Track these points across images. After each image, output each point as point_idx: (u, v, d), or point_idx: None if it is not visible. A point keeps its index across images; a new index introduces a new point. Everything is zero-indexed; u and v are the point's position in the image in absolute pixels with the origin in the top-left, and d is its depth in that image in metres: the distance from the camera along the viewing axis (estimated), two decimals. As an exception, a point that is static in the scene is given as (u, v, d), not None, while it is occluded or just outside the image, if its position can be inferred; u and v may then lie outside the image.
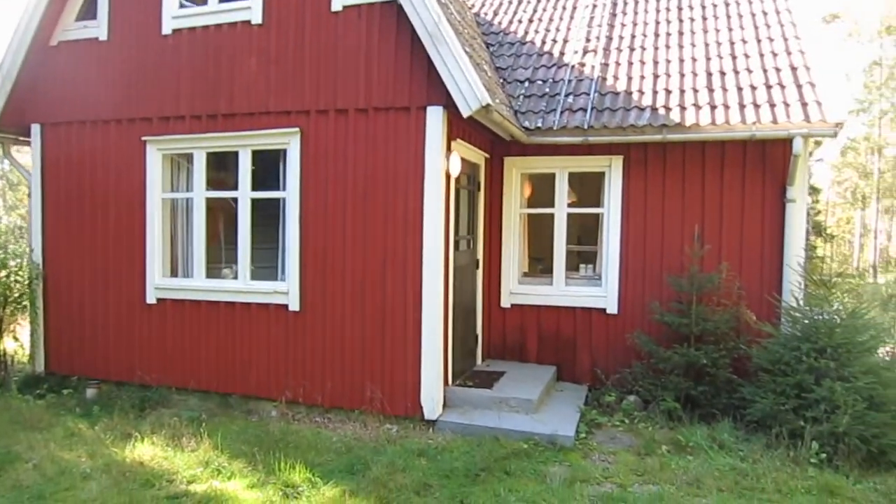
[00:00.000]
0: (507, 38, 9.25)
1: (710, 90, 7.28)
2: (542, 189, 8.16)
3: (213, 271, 7.33)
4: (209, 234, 7.27)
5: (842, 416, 5.41)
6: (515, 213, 7.92)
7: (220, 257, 7.42)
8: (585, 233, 8.30)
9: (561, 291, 7.74)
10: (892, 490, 5.10)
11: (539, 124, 7.38)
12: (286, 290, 6.75)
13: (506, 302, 7.94)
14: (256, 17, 6.87)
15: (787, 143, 6.63)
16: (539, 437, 5.89)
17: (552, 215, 7.79)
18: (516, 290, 7.92)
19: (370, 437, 6.06)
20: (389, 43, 6.37)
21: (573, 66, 8.25)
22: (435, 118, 6.21)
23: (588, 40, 8.72)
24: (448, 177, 6.42)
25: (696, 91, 7.33)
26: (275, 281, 6.93)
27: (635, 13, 9.07)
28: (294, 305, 6.72)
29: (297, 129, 6.69)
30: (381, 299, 6.42)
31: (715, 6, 8.79)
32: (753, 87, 7.16)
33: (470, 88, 5.82)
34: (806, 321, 6.12)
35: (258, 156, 7.04)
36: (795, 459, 5.45)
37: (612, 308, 7.49)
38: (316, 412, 6.67)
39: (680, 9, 8.91)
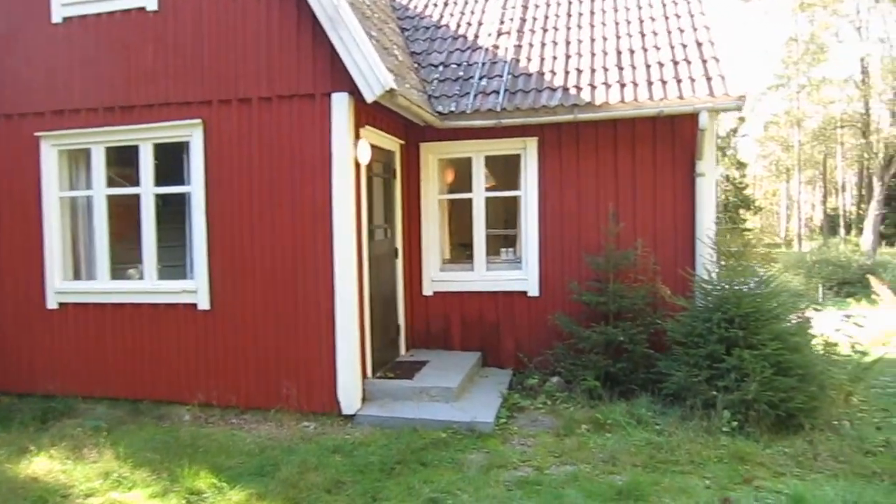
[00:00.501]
0: (423, 21, 9.10)
1: (620, 68, 7.31)
2: (463, 174, 8.07)
3: (117, 272, 6.97)
4: (112, 233, 6.90)
5: (751, 383, 5.53)
6: (434, 199, 7.82)
7: (125, 257, 7.08)
8: (509, 216, 8.25)
9: (482, 277, 7.69)
10: (800, 452, 5.24)
11: (453, 108, 7.28)
12: (195, 289, 6.48)
13: (428, 290, 7.84)
14: (151, 4, 6.54)
15: (694, 118, 6.70)
16: (458, 425, 5.82)
17: (471, 200, 7.71)
18: (438, 277, 7.83)
19: (286, 436, 5.89)
20: (291, 28, 6.14)
21: (487, 49, 8.17)
22: (340, 105, 6.03)
23: (502, 22, 8.65)
24: (357, 165, 6.25)
25: (606, 70, 7.35)
26: (183, 280, 6.65)
27: (548, -6, 9.04)
28: (204, 304, 6.46)
29: (199, 121, 6.41)
30: (293, 293, 6.23)
31: (625, -15, 8.82)
32: (661, 64, 7.22)
33: (373, 73, 5.67)
34: (716, 293, 6.22)
35: (160, 149, 6.71)
36: (708, 429, 5.54)
37: (534, 291, 7.48)
38: (231, 414, 6.44)
39: (591, -11, 8.91)
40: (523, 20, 8.58)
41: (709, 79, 6.82)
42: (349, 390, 6.13)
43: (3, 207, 7.05)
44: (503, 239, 8.12)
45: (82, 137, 6.81)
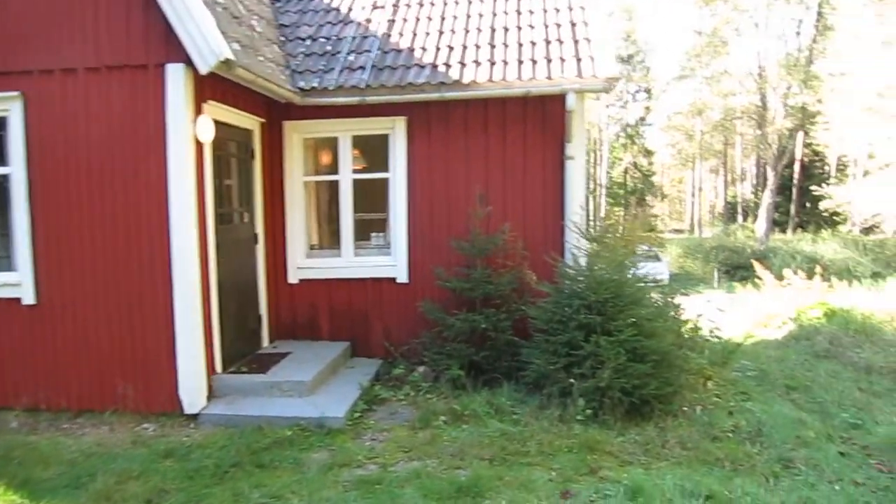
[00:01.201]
0: (297, -7, 8.57)
1: (492, 46, 7.07)
2: (331, 155, 7.64)
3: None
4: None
5: (605, 370, 5.41)
6: (299, 181, 7.36)
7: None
8: (381, 200, 7.89)
9: (351, 263, 7.32)
10: (650, 440, 5.17)
11: (315, 84, 6.85)
12: (18, 282, 5.82)
13: (293, 278, 7.40)
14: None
15: (564, 99, 6.52)
16: (307, 421, 5.46)
17: (338, 183, 7.31)
18: (304, 264, 7.41)
19: (118, 441, 5.35)
20: (123, -9, 5.54)
21: (359, 23, 7.76)
22: (176, 77, 5.50)
23: (377, -5, 8.24)
24: (200, 144, 5.74)
25: (478, 47, 7.08)
26: (6, 272, 5.95)
27: (428, -32, 8.68)
28: (29, 298, 5.81)
29: (17, 94, 5.72)
30: (128, 284, 5.69)
31: (505, -38, 8.57)
32: (533, 43, 7.02)
33: (206, 41, 5.18)
34: (580, 278, 6.08)
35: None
36: (563, 418, 5.40)
37: (403, 277, 7.18)
38: (64, 418, 5.81)
39: (470, -36, 8.61)
40: (400, -6, 8.20)
41: (578, 60, 6.66)
42: (192, 387, 5.66)
43: None
44: (375, 223, 7.77)
45: None
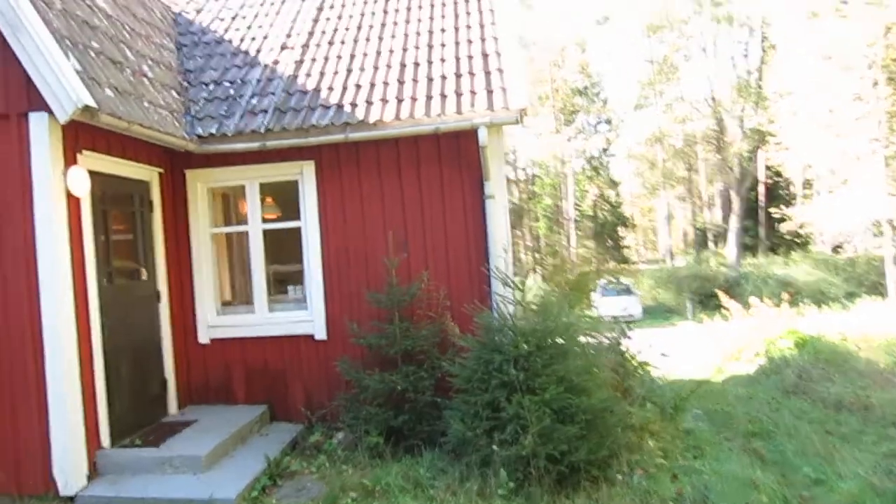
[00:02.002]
0: (205, 37, 8.16)
1: (401, 83, 6.66)
2: (239, 204, 7.14)
3: None
4: None
5: (528, 435, 4.85)
6: (206, 234, 6.82)
7: None
8: (298, 250, 7.38)
9: (266, 319, 6.75)
10: (578, 511, 4.61)
11: (213, 131, 6.37)
12: None
13: (204, 337, 6.79)
14: None
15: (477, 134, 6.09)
16: (196, 503, 4.83)
17: (247, 234, 6.79)
18: (216, 322, 6.81)
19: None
20: (-22, 37, 5.05)
21: (266, 65, 7.34)
22: (40, 126, 4.99)
23: (289, 36, 7.85)
24: (73, 198, 5.20)
25: (386, 85, 6.67)
26: None
27: (342, 6, 8.34)
28: None
29: None
30: (-5, 354, 5.08)
31: (420, -4, 8.27)
32: (444, 77, 6.64)
33: (62, 88, 4.69)
34: (502, 330, 5.56)
35: None
36: (484, 492, 4.82)
37: (321, 333, 6.61)
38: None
39: (387, 0, 8.29)
40: (311, 34, 7.81)
41: (489, 91, 6.27)
42: (68, 466, 5.02)
43: None
44: (293, 276, 7.23)
45: None
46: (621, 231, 43.45)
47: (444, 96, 6.32)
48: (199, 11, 8.87)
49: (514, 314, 5.61)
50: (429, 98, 6.33)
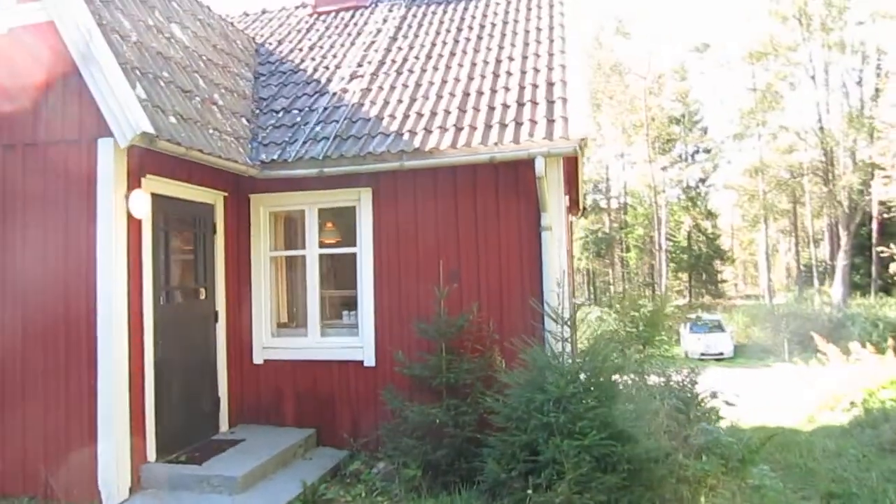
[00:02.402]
0: (282, 66, 8.47)
1: (462, 111, 6.62)
2: (300, 229, 7.26)
3: None
4: None
5: (563, 481, 4.59)
6: (265, 256, 6.98)
7: None
8: (354, 276, 7.42)
9: (317, 343, 6.81)
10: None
11: (275, 157, 6.54)
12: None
13: (258, 358, 6.93)
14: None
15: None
16: (224, 526, 4.87)
17: (304, 258, 6.90)
18: (270, 343, 6.94)
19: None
20: (58, 67, 5.40)
21: (335, 93, 7.50)
22: (106, 152, 5.26)
23: (360, 65, 8.01)
24: (135, 219, 5.45)
25: (447, 113, 6.65)
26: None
27: (415, 36, 8.45)
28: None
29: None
30: (53, 363, 5.35)
31: (493, 25, 8.25)
32: (506, 106, 6.54)
33: (124, 115, 4.96)
34: (548, 367, 5.33)
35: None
36: (516, 540, 4.59)
37: (370, 360, 6.59)
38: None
39: (459, 29, 8.36)
40: (382, 62, 7.94)
41: (550, 121, 6.11)
42: (111, 478, 5.18)
43: None
44: (349, 301, 7.26)
45: None
46: (718, 264, 41.53)
47: (503, 125, 6.22)
48: (280, 42, 9.24)
49: (562, 352, 5.38)
50: (488, 127, 6.25)
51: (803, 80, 27.55)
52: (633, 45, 35.86)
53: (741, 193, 37.18)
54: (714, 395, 7.27)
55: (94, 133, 5.30)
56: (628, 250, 39.78)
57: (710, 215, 38.75)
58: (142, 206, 5.48)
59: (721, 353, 23.68)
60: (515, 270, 6.30)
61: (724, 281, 43.69)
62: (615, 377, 5.61)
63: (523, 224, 6.29)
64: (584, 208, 14.20)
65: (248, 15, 10.76)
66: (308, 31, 9.50)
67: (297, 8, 10.51)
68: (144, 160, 5.57)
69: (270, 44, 9.25)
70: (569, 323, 5.51)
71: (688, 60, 35.48)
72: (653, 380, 8.17)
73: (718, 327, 25.49)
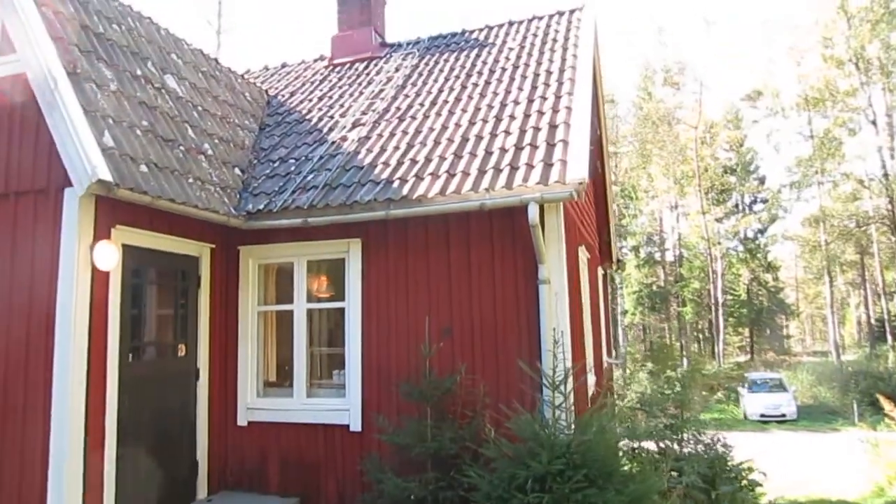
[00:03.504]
0: (290, 117, 8.32)
1: (458, 157, 6.23)
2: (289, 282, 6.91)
3: None
4: None
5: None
6: (253, 311, 6.64)
7: None
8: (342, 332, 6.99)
9: (302, 405, 6.35)
10: None
11: (261, 207, 6.26)
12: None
13: (243, 419, 6.51)
14: None
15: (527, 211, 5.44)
16: None
17: (292, 313, 6.52)
18: (256, 404, 6.52)
19: None
20: (29, 117, 5.27)
21: (333, 142, 7.23)
22: (71, 201, 5.04)
23: (364, 114, 7.76)
24: (100, 272, 5.18)
25: (442, 159, 6.27)
26: None
27: (424, 83, 8.20)
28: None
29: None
30: (13, 422, 5.05)
31: (504, 70, 7.92)
32: (503, 150, 6.13)
33: (81, 163, 4.72)
34: (535, 440, 4.72)
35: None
36: None
37: (356, 424, 6.07)
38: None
39: (468, 75, 8.07)
40: (386, 110, 7.67)
41: (548, 165, 5.64)
42: (58, 556, 4.79)
43: None
44: (338, 359, 6.81)
45: None
46: (782, 319, 39.39)
47: (497, 170, 5.78)
48: (292, 94, 9.15)
49: (555, 420, 4.78)
50: (481, 172, 5.83)
51: (864, 125, 26.26)
52: (683, 96, 35.16)
53: (802, 245, 35.39)
54: (749, 469, 6.48)
55: (60, 183, 5.09)
56: (684, 304, 38.18)
57: (771, 267, 36.90)
58: (108, 257, 5.21)
59: (783, 415, 22.03)
60: (512, 327, 5.75)
61: (789, 336, 41.38)
62: (621, 445, 4.96)
63: (520, 277, 5.76)
64: (619, 260, 13.50)
65: (267, 69, 10.79)
66: (321, 82, 9.39)
67: (314, 61, 10.48)
68: (117, 210, 5.33)
69: (283, 95, 9.17)
70: (561, 389, 4.91)
71: (741, 108, 34.56)
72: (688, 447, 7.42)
73: (780, 386, 23.81)
